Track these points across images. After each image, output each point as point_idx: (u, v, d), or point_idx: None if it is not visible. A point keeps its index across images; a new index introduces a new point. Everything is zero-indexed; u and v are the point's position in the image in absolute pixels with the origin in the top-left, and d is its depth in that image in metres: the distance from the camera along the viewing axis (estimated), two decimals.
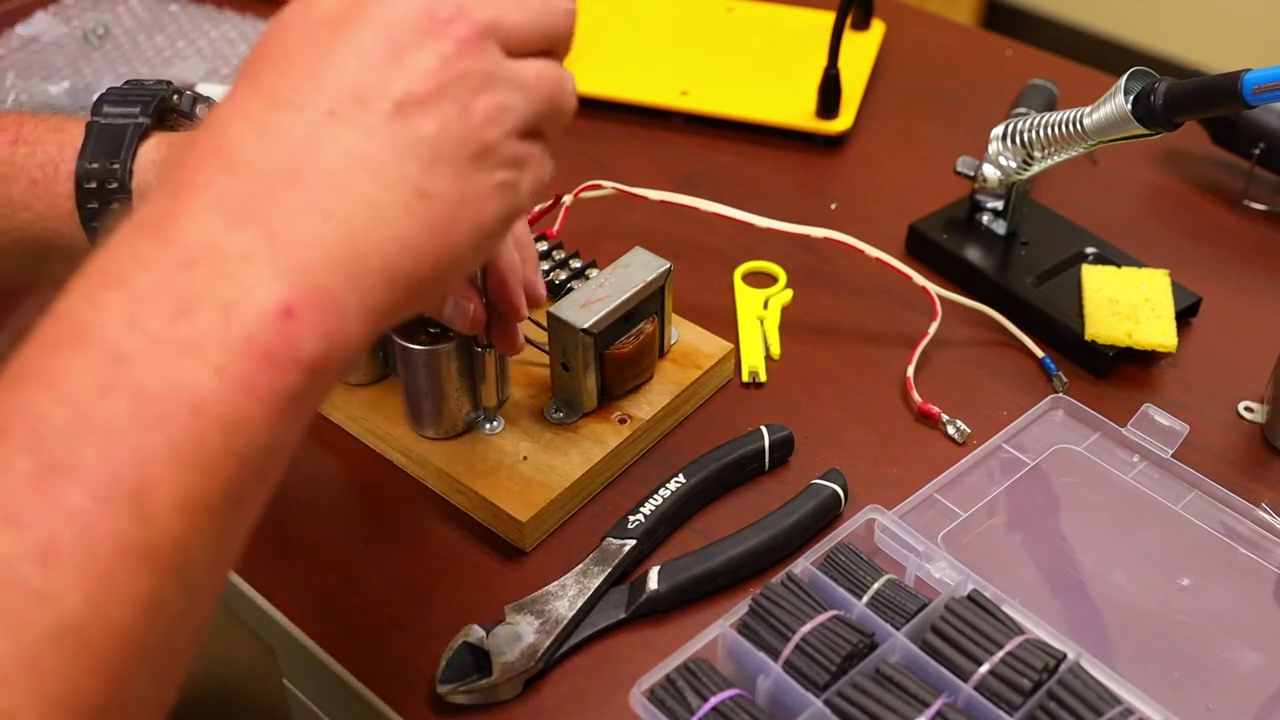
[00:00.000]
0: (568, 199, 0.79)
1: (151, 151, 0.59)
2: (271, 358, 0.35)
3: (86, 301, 0.35)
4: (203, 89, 1.00)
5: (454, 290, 0.60)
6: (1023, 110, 0.89)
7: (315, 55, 0.40)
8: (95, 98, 0.60)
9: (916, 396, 0.73)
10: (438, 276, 0.41)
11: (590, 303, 0.67)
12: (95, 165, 0.57)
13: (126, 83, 0.62)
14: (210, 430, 0.34)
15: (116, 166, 0.57)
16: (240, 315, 0.35)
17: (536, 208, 0.80)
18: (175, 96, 0.62)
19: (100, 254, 0.37)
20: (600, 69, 1.00)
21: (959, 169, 0.82)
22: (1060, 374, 0.75)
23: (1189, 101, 0.66)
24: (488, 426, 0.68)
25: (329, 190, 0.38)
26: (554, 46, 0.45)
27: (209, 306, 0.35)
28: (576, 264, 0.77)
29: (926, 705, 0.52)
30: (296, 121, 0.39)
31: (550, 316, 0.67)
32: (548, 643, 0.59)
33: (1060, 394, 0.73)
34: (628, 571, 0.64)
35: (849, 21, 0.96)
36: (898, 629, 0.56)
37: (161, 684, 0.36)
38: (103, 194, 0.57)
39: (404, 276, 0.40)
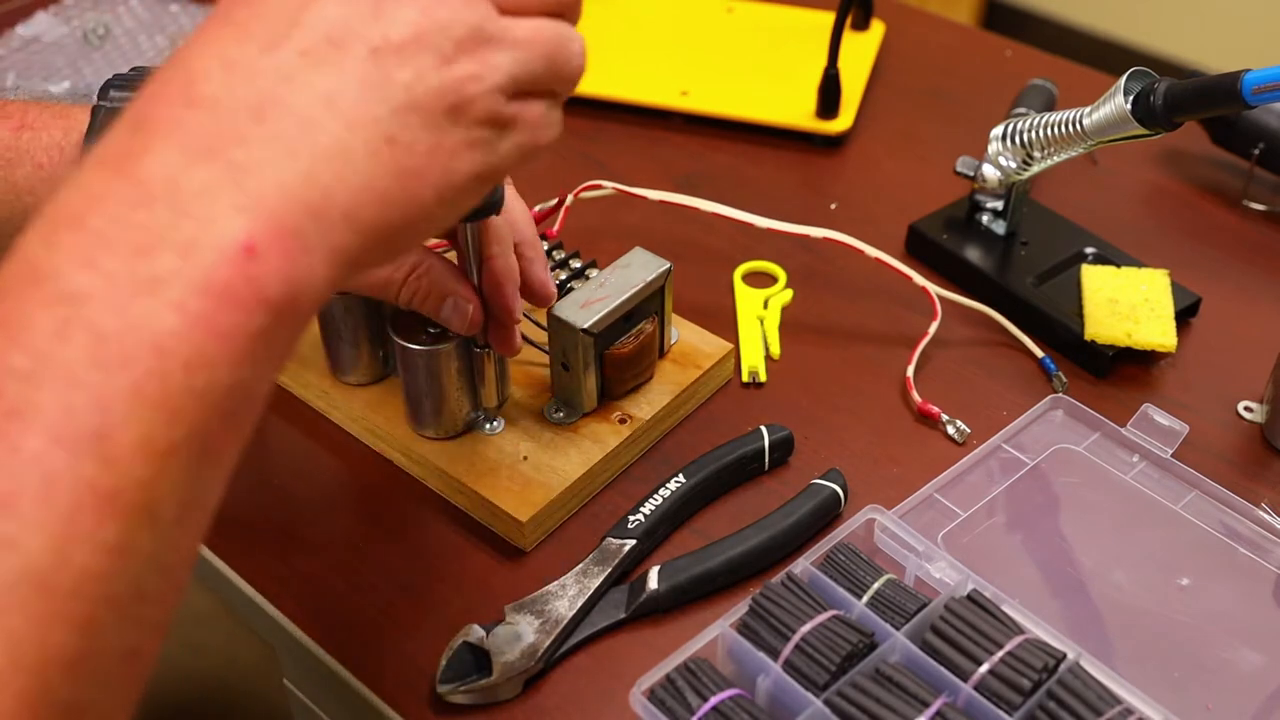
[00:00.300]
0: (568, 199, 0.79)
1: None
2: (233, 296, 0.34)
3: (43, 242, 0.34)
4: None
5: (452, 290, 0.60)
6: (1023, 110, 0.89)
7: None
8: (101, 85, 0.60)
9: (916, 396, 0.73)
10: (405, 226, 0.40)
11: (590, 303, 0.67)
12: None
13: (132, 69, 0.62)
14: (173, 370, 0.33)
15: None
16: (201, 252, 0.34)
17: (538, 207, 0.80)
18: None
19: (59, 193, 0.35)
20: (600, 69, 1.00)
21: (959, 169, 0.82)
22: (1060, 374, 0.75)
23: (1189, 101, 0.66)
24: (488, 426, 0.68)
25: (296, 129, 0.37)
26: (562, 10, 0.44)
27: (168, 244, 0.34)
28: (576, 264, 0.77)
29: (926, 705, 0.52)
30: (267, 60, 0.37)
31: (550, 316, 0.67)
32: (548, 643, 0.59)
33: (1060, 394, 0.73)
34: (628, 571, 0.64)
35: (849, 21, 0.96)
36: (898, 629, 0.56)
37: (135, 633, 0.35)
38: None
39: (369, 222, 0.39)
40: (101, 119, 0.58)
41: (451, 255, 0.62)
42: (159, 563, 0.35)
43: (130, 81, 0.60)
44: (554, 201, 0.78)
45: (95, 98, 0.60)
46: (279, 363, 0.38)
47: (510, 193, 0.63)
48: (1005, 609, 0.57)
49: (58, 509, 0.32)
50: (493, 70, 0.41)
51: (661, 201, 0.77)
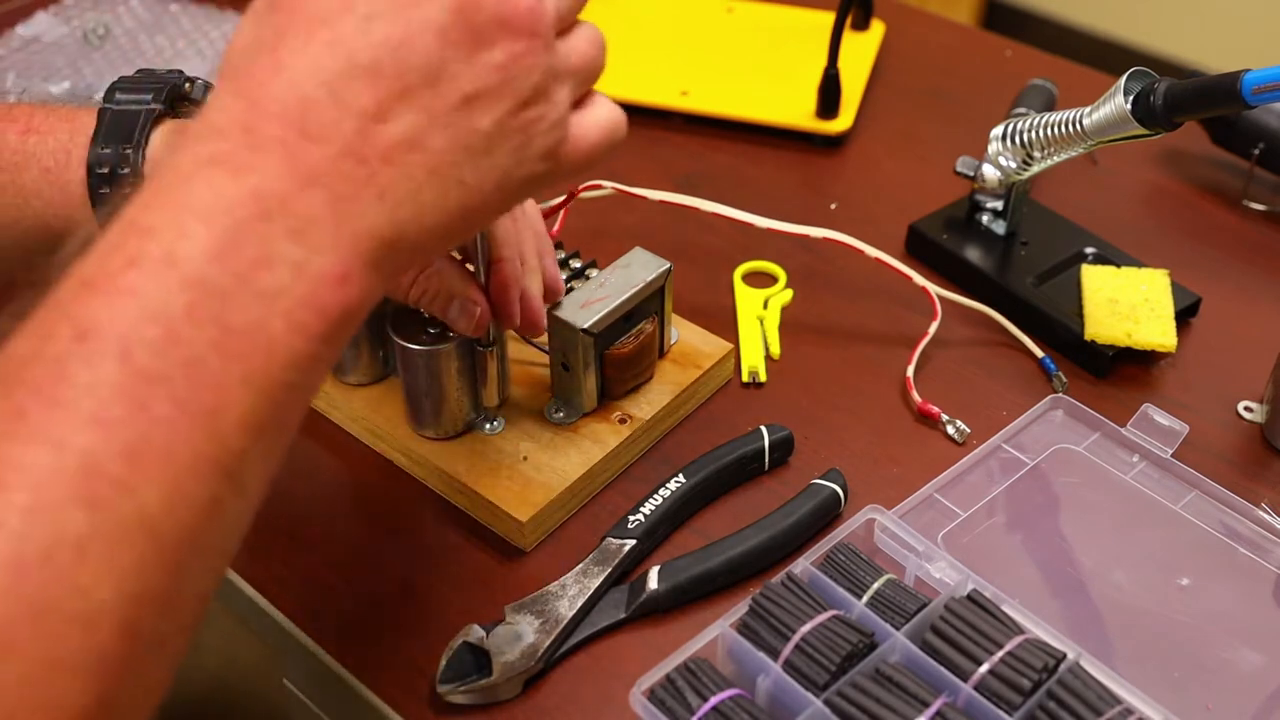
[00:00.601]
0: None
1: (164, 137, 0.58)
2: (326, 312, 0.40)
3: (169, 223, 0.38)
4: None
5: (460, 291, 0.60)
6: (1023, 110, 0.89)
7: (397, 27, 0.41)
8: (104, 89, 0.60)
9: (916, 396, 0.73)
10: (452, 245, 0.47)
11: (590, 303, 0.67)
12: (107, 151, 0.57)
13: (138, 71, 0.62)
14: (275, 366, 0.39)
15: (129, 152, 0.57)
16: (307, 274, 0.40)
17: (541, 205, 0.80)
18: (187, 84, 0.62)
19: (171, 176, 0.39)
20: None
21: (959, 169, 0.82)
22: (1060, 374, 0.75)
23: (1189, 101, 0.66)
24: (488, 426, 0.68)
25: (386, 170, 0.41)
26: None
27: (284, 261, 0.39)
28: (576, 264, 0.77)
29: (926, 705, 0.52)
30: (370, 94, 0.40)
31: (550, 317, 0.67)
32: (548, 642, 0.59)
33: (1060, 394, 0.73)
34: (628, 571, 0.64)
35: (849, 21, 0.96)
36: (898, 629, 0.56)
37: (210, 581, 0.40)
38: (114, 180, 0.57)
39: (427, 250, 0.45)
40: (109, 120, 0.58)
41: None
42: (238, 523, 0.40)
43: (136, 83, 0.60)
44: (560, 199, 0.78)
45: (100, 99, 0.60)
46: (335, 359, 0.44)
47: None
48: (1005, 609, 0.57)
49: (173, 469, 0.37)
50: (556, 107, 0.45)
51: (661, 201, 0.77)
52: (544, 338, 0.69)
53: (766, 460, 0.69)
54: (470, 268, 0.61)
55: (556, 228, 0.79)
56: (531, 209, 0.65)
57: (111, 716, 0.36)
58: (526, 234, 0.63)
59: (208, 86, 0.63)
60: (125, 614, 0.36)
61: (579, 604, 0.61)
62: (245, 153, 0.39)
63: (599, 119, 0.49)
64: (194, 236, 0.38)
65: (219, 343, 0.38)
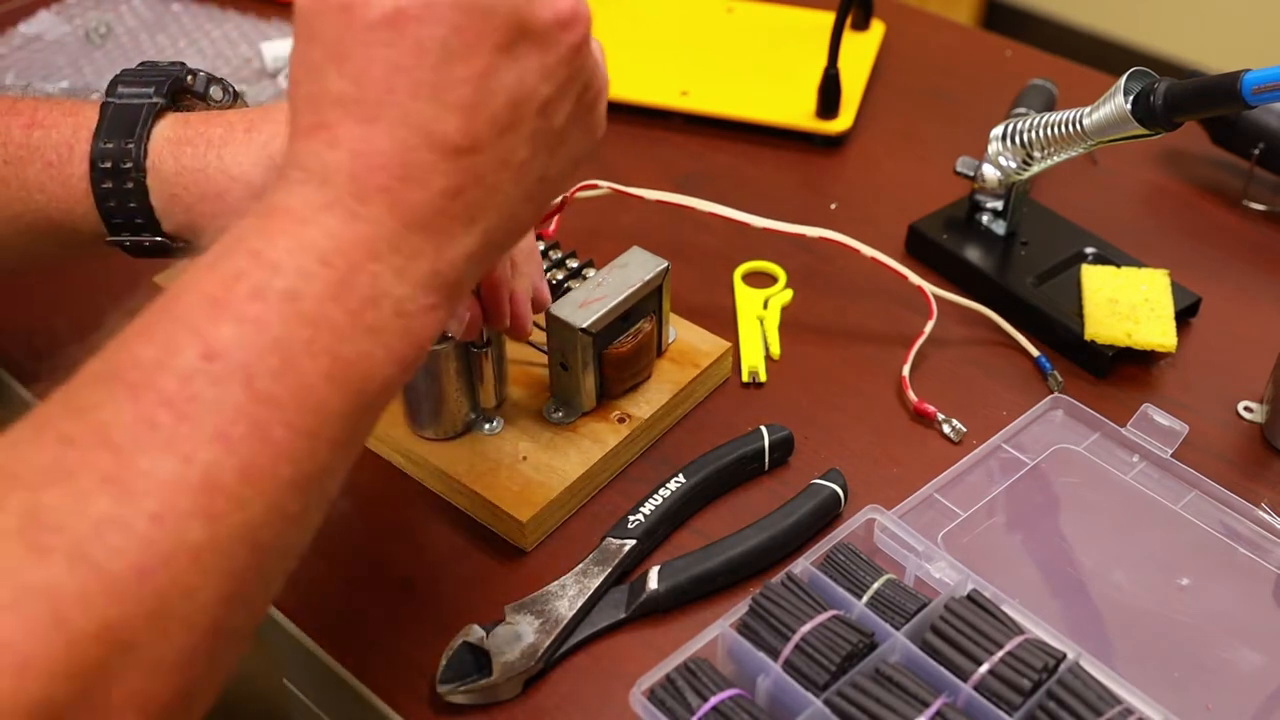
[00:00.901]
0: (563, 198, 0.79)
1: (166, 130, 0.58)
2: (418, 339, 0.44)
3: (292, 262, 0.41)
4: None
5: None
6: (1023, 110, 0.89)
7: (474, 60, 0.43)
8: (109, 81, 0.60)
9: (912, 396, 0.73)
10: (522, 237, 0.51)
11: (588, 302, 0.67)
12: (110, 145, 0.57)
13: (141, 64, 0.62)
14: (370, 390, 0.42)
15: (131, 146, 0.57)
16: (407, 309, 0.43)
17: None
18: (189, 77, 0.62)
19: (285, 219, 0.42)
20: None
21: (959, 169, 0.82)
22: (1055, 373, 0.75)
23: (1189, 101, 0.66)
24: (487, 427, 0.68)
25: (477, 192, 0.44)
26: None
27: (389, 300, 0.42)
28: (574, 264, 0.77)
29: (926, 705, 0.52)
30: (460, 131, 0.43)
31: (548, 316, 0.67)
32: (548, 642, 0.59)
33: (1059, 393, 0.73)
34: (628, 571, 0.64)
35: (849, 21, 0.96)
36: (897, 629, 0.56)
37: (283, 579, 0.43)
38: (117, 174, 0.57)
39: (508, 248, 0.50)
40: (111, 114, 0.58)
41: None
42: (314, 528, 0.44)
43: (139, 76, 0.60)
44: (561, 202, 0.78)
45: (104, 94, 0.60)
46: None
47: None
48: (1005, 609, 0.57)
49: (279, 484, 0.40)
50: (598, 96, 0.49)
51: (659, 201, 0.77)
52: (543, 338, 0.69)
53: (766, 460, 0.69)
54: None
55: (553, 228, 0.79)
56: None
57: (188, 707, 0.39)
58: (526, 239, 0.63)
59: (210, 80, 0.63)
60: (217, 614, 0.39)
61: (579, 604, 0.61)
62: (353, 201, 0.42)
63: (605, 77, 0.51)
64: (314, 277, 0.41)
65: (329, 372, 0.41)
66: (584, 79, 0.47)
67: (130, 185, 0.57)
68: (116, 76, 0.60)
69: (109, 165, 0.57)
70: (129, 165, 0.57)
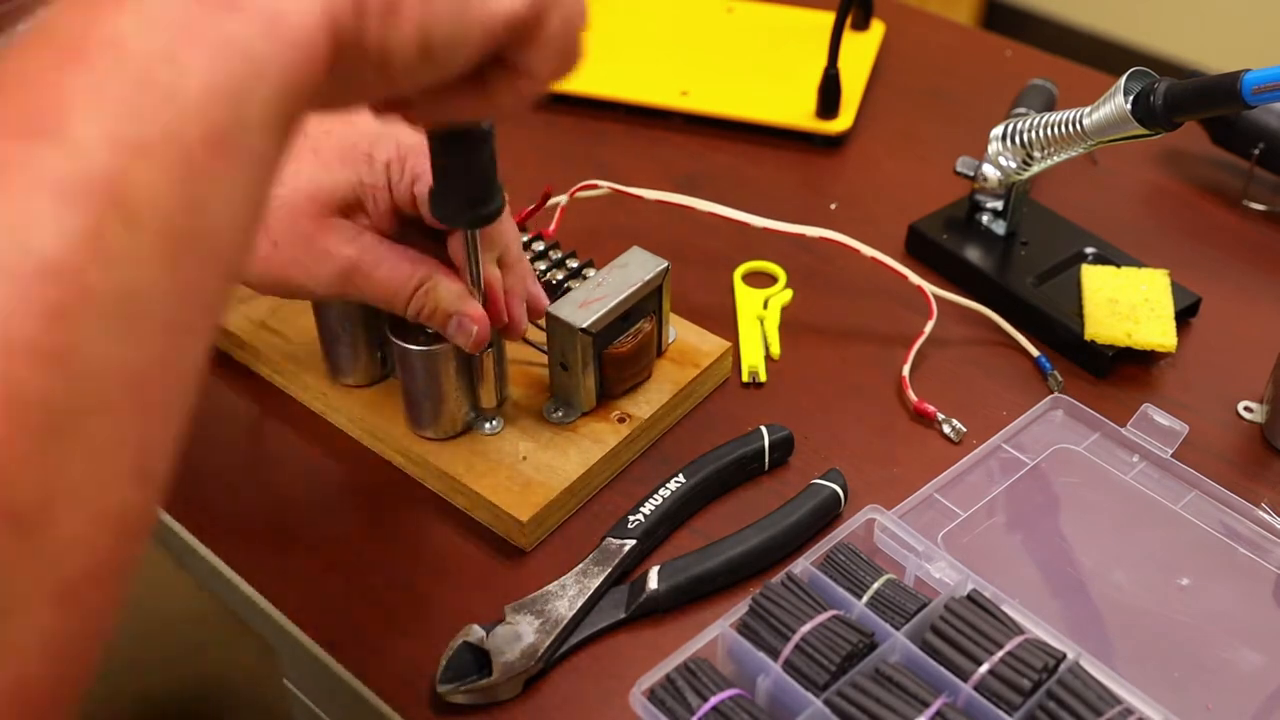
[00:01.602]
0: (563, 198, 0.79)
1: None
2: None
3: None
4: None
5: (456, 310, 0.60)
6: (1023, 110, 0.89)
7: None
8: None
9: (912, 396, 0.73)
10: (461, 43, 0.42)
11: (588, 302, 0.67)
12: None
13: None
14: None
15: None
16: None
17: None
18: None
19: None
20: (600, 69, 1.00)
21: (959, 169, 0.82)
22: (1055, 373, 0.75)
23: (1189, 101, 0.66)
24: (487, 426, 0.68)
25: None
26: None
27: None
28: (574, 264, 0.77)
29: (926, 705, 0.52)
30: None
31: (548, 316, 0.67)
32: (548, 643, 0.59)
33: (1059, 394, 0.73)
34: (628, 571, 0.64)
35: (849, 21, 0.96)
36: (897, 629, 0.56)
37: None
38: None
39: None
40: None
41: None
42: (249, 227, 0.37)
43: None
44: (536, 204, 0.77)
45: None
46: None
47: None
48: (1005, 609, 0.57)
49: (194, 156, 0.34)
50: None
51: (659, 201, 0.77)
52: (543, 338, 0.69)
53: (766, 460, 0.69)
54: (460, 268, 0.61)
55: (553, 227, 0.79)
56: (508, 224, 0.65)
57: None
58: (511, 234, 0.63)
59: None
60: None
61: (579, 604, 0.61)
62: None
63: None
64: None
65: (264, 31, 0.36)
66: None
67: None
68: None
69: None
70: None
